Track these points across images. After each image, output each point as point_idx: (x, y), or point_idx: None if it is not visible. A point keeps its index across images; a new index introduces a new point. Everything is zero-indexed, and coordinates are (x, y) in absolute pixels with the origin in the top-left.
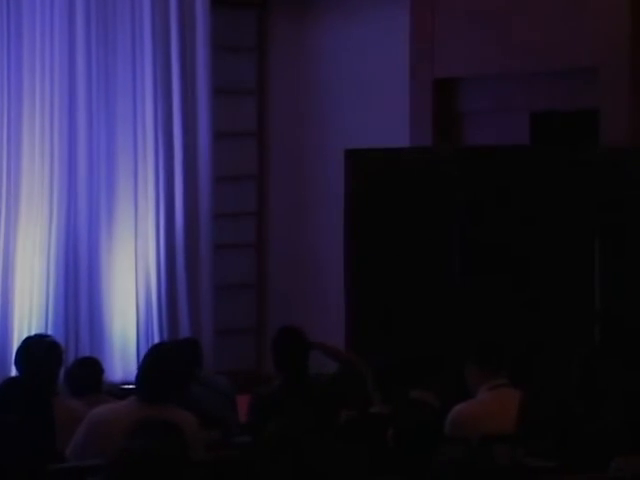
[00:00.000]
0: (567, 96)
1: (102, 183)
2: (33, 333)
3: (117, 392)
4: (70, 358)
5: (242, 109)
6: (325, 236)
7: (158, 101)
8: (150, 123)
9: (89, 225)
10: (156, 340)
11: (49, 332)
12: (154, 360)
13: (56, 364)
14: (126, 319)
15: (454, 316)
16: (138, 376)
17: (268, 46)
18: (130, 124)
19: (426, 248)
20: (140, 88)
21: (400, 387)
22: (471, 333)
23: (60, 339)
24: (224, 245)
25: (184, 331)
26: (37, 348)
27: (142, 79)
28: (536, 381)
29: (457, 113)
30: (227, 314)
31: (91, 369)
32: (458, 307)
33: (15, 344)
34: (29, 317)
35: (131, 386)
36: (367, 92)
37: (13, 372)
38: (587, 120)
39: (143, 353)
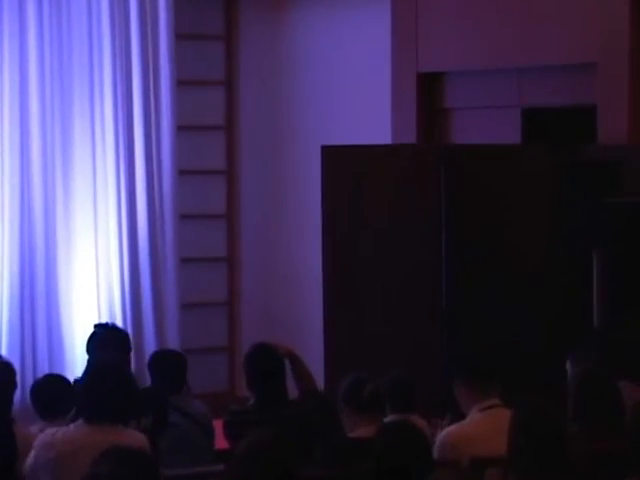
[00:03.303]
0: (562, 91)
1: (58, 185)
2: None
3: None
4: (27, 380)
5: (209, 101)
6: (302, 243)
7: (118, 93)
8: (109, 116)
9: (45, 232)
10: None
11: (3, 352)
12: (96, 378)
13: (10, 387)
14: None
15: (441, 330)
16: (81, 397)
17: (237, 35)
18: (88, 118)
19: (409, 252)
20: (98, 79)
21: (385, 409)
22: (459, 350)
23: (15, 360)
24: (192, 258)
25: (149, 348)
26: None
27: (100, 70)
28: (529, 400)
29: (443, 109)
30: (196, 331)
31: (63, 389)
32: (445, 319)
33: None
34: None
35: None
36: (346, 85)
37: None
38: (583, 117)
39: None
